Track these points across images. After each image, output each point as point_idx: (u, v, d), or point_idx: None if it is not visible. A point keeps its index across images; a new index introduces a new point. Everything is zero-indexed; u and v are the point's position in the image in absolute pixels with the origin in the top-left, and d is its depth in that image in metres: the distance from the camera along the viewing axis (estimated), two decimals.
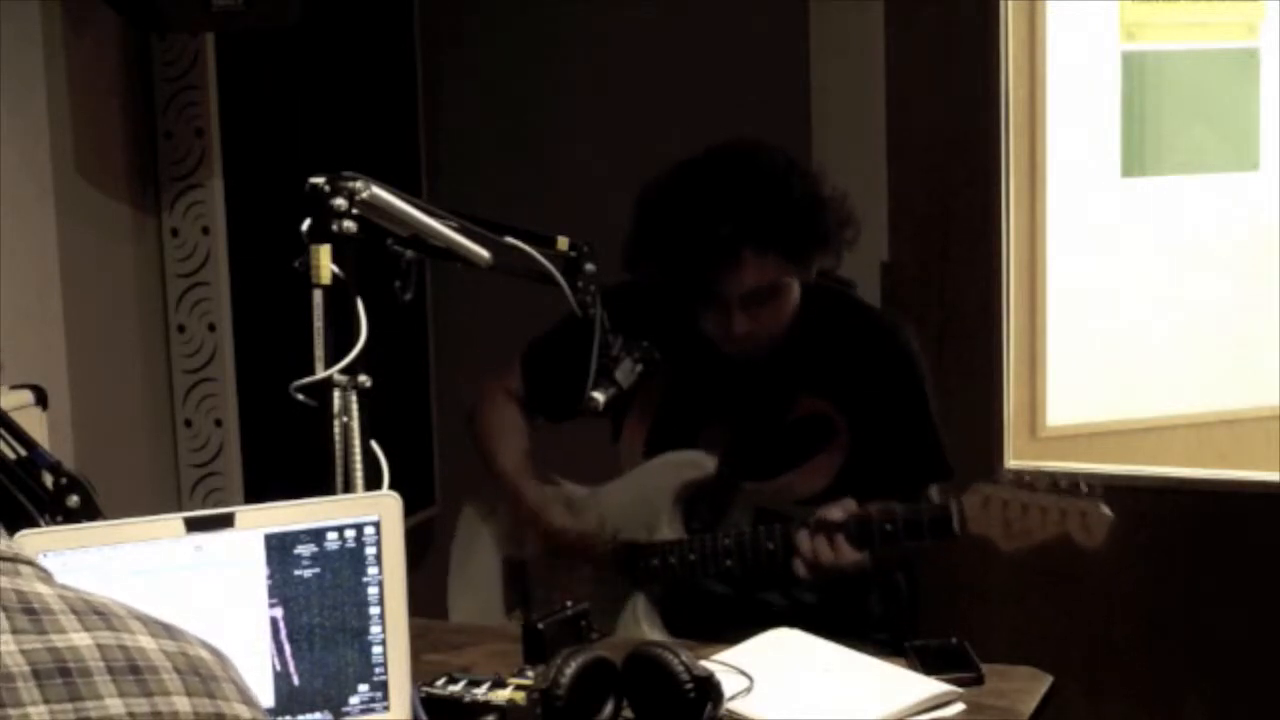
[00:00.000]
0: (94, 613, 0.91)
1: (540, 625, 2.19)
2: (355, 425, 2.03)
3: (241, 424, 3.27)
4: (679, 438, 2.75)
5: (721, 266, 2.56)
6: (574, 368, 2.36)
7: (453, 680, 2.09)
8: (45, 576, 0.93)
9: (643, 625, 2.67)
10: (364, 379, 2.04)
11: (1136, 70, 3.53)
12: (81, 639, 0.89)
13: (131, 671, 0.89)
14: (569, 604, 2.26)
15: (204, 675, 0.93)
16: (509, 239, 2.23)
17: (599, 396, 2.30)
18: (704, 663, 1.98)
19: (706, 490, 2.72)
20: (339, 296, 2.04)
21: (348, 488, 2.02)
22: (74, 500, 1.96)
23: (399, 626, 1.89)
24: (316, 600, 1.85)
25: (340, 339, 2.04)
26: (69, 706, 0.86)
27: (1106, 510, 2.38)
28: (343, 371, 2.03)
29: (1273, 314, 3.47)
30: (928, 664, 2.19)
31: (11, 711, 0.85)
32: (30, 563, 0.93)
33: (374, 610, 1.88)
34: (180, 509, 2.96)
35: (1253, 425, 3.54)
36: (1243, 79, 3.51)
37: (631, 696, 1.98)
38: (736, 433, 2.73)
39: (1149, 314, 3.60)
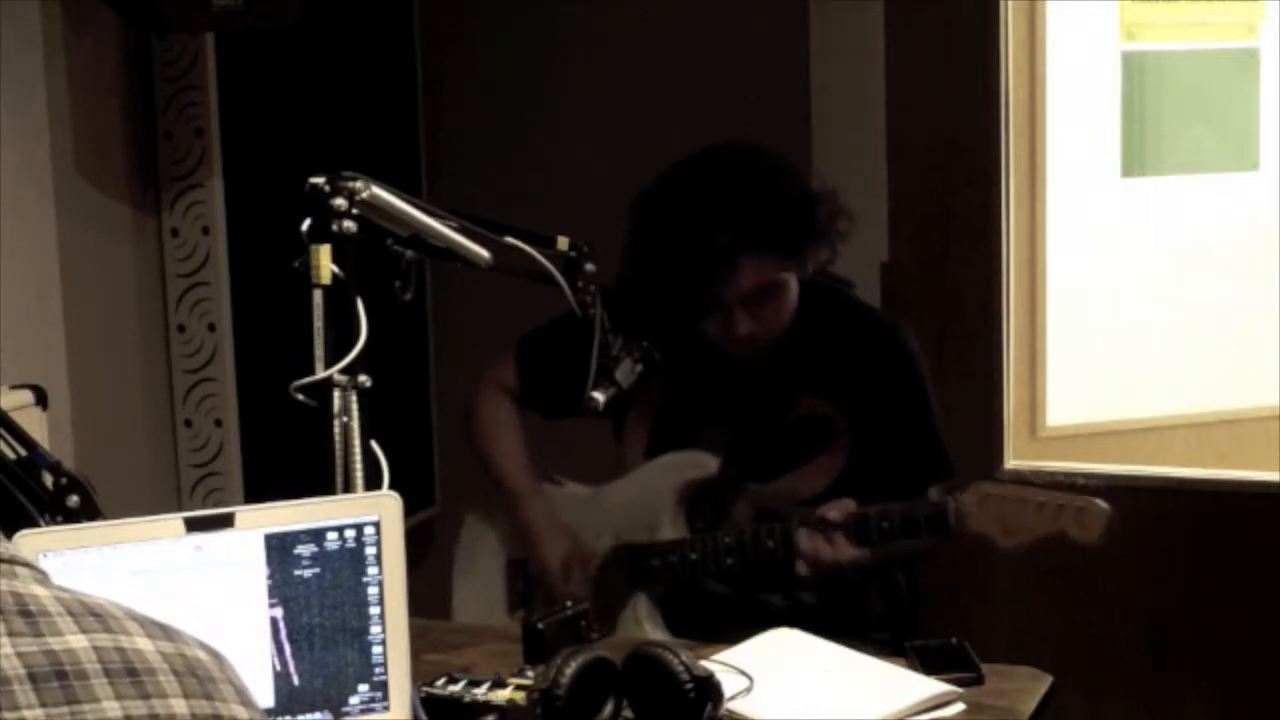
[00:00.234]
0: (91, 614, 0.91)
1: (540, 625, 2.19)
2: (355, 425, 2.03)
3: (241, 424, 3.27)
4: (681, 438, 2.75)
5: (718, 271, 2.57)
6: (569, 363, 2.36)
7: (453, 680, 2.09)
8: (42, 578, 0.92)
9: (644, 625, 2.67)
10: (364, 379, 2.04)
11: (1136, 70, 3.53)
12: (78, 641, 0.89)
13: (128, 674, 0.89)
14: (569, 604, 2.26)
15: (201, 677, 0.93)
16: (509, 239, 2.23)
17: (599, 396, 2.30)
18: (704, 663, 1.98)
19: (708, 490, 2.72)
20: (339, 296, 2.04)
21: (348, 488, 2.02)
22: (74, 500, 1.96)
23: (399, 626, 1.89)
24: (316, 600, 1.85)
25: (340, 339, 2.04)
26: (65, 710, 0.86)
27: (1103, 505, 2.38)
28: (343, 371, 2.03)
29: (1273, 314, 3.47)
30: (928, 664, 2.19)
31: (8, 715, 0.84)
32: (27, 564, 0.93)
33: (374, 610, 1.88)
34: (180, 509, 2.96)
35: (1253, 425, 3.54)
36: (1243, 79, 3.51)
37: (631, 696, 1.98)
38: (738, 433, 2.73)
39: (1149, 314, 3.60)
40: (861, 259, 3.32)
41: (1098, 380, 3.63)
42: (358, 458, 2.03)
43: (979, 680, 2.15)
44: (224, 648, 0.98)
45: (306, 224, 2.04)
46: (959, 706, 2.09)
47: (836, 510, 2.53)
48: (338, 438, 2.03)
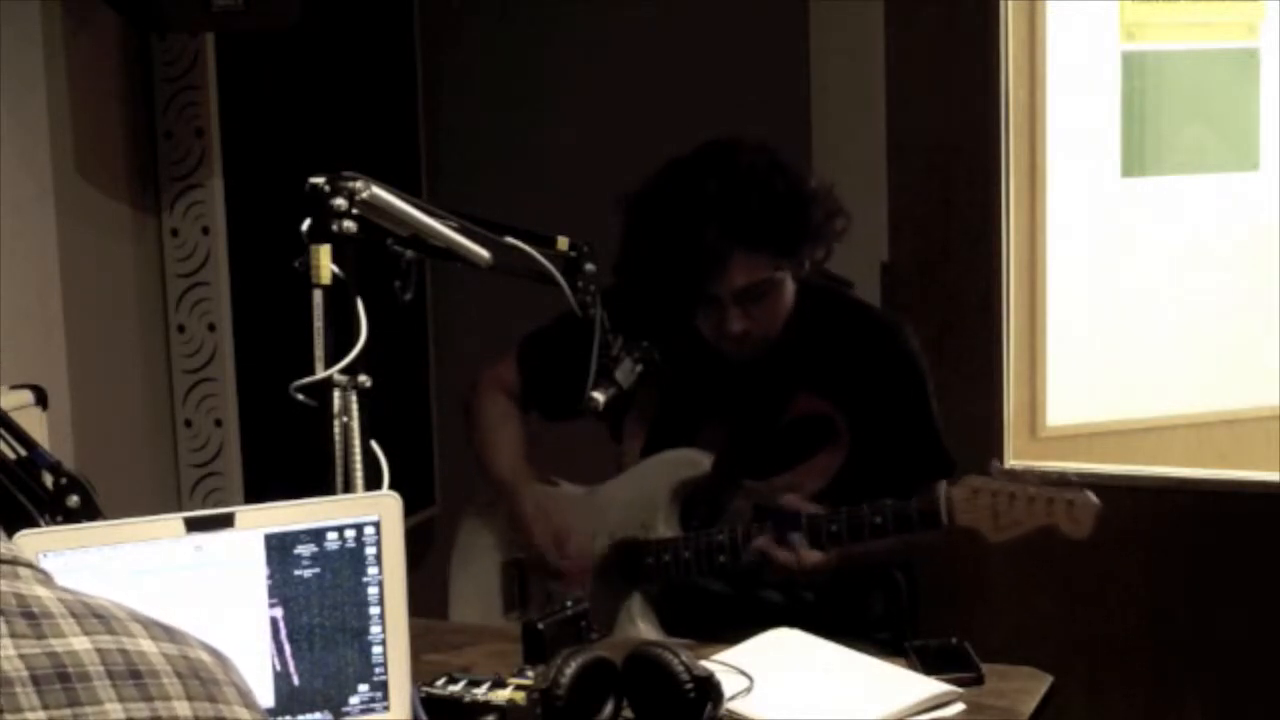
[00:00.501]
0: (94, 616, 0.91)
1: (540, 625, 2.19)
2: (355, 425, 2.03)
3: (241, 424, 3.27)
4: (678, 437, 2.75)
5: (711, 268, 2.56)
6: (570, 364, 2.36)
7: (453, 680, 2.09)
8: (45, 579, 0.92)
9: (639, 624, 2.67)
10: (364, 379, 2.04)
11: (1136, 70, 3.53)
12: (81, 643, 0.89)
13: (132, 676, 0.89)
14: (569, 604, 2.26)
15: (205, 679, 0.93)
16: (509, 239, 2.23)
17: (599, 397, 2.30)
18: (704, 663, 1.98)
19: (704, 489, 2.72)
20: (339, 296, 2.04)
21: (348, 488, 2.02)
22: (74, 500, 1.96)
23: (399, 626, 1.89)
24: (316, 600, 1.85)
25: (340, 339, 2.04)
26: (68, 712, 0.86)
27: (1093, 498, 2.38)
28: (343, 371, 2.03)
29: (1273, 314, 3.47)
30: (928, 664, 2.20)
31: (10, 717, 0.84)
32: (30, 565, 0.92)
33: (374, 610, 1.88)
34: (180, 509, 2.96)
35: (1253, 425, 3.54)
36: (1243, 79, 3.51)
37: (631, 696, 1.98)
38: (735, 432, 2.73)
39: (1149, 314, 3.60)
40: (861, 259, 3.32)
41: (1098, 380, 3.63)
42: (358, 458, 2.03)
43: (979, 680, 2.15)
44: (224, 648, 0.98)
45: (306, 224, 2.04)
46: (959, 706, 2.09)
47: (794, 501, 2.54)
48: (338, 438, 2.03)
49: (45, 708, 0.85)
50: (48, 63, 2.96)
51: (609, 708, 1.97)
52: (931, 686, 2.11)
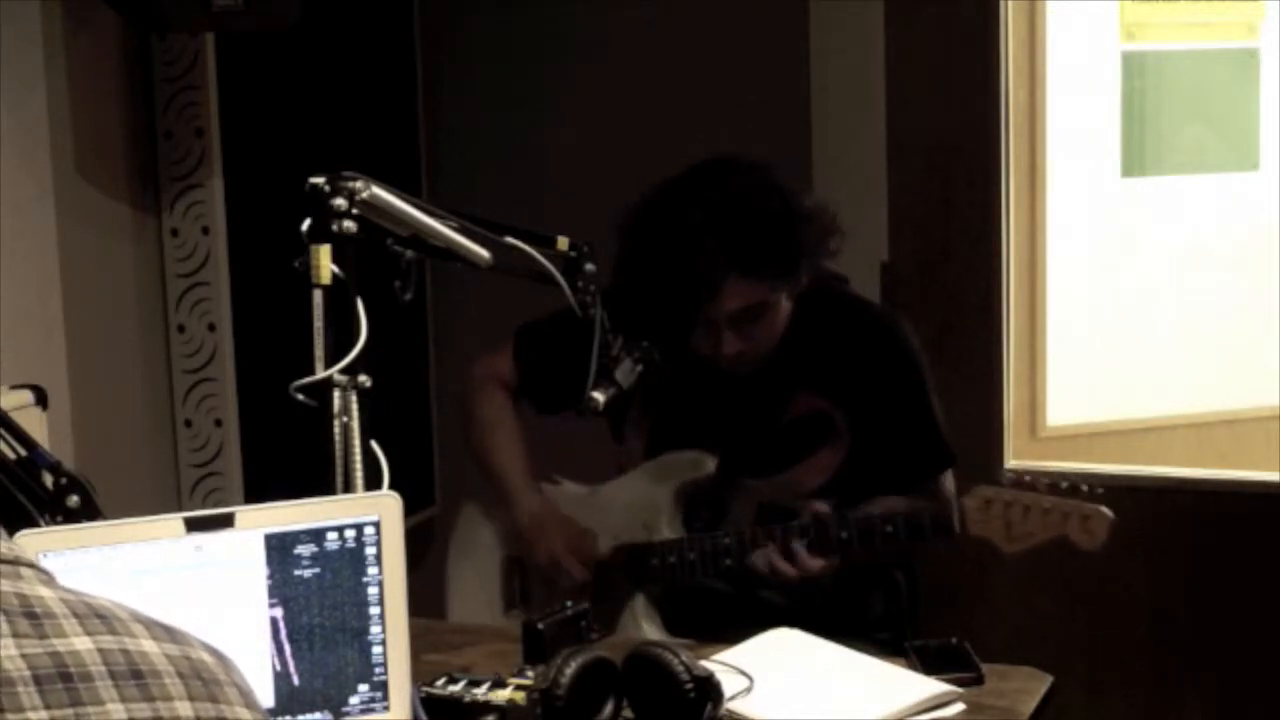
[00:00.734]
0: (96, 616, 0.91)
1: (540, 625, 2.19)
2: (355, 425, 2.03)
3: (241, 424, 3.27)
4: (680, 438, 2.75)
5: (704, 293, 2.55)
6: (565, 358, 2.36)
7: (453, 680, 2.09)
8: (47, 579, 0.92)
9: (643, 625, 2.67)
10: (364, 379, 2.04)
11: (1136, 70, 3.54)
12: (83, 643, 0.89)
13: (133, 676, 0.89)
14: (569, 604, 2.26)
15: (206, 679, 0.93)
16: (509, 239, 2.23)
17: (599, 397, 2.30)
18: (704, 663, 1.98)
19: (706, 490, 2.72)
20: (339, 296, 2.04)
21: (348, 488, 2.02)
22: (74, 500, 1.95)
23: (399, 626, 1.89)
24: (316, 600, 1.85)
25: (340, 339, 2.04)
26: (70, 712, 0.86)
27: (1107, 512, 2.38)
28: (343, 371, 2.03)
29: (1273, 314, 3.47)
30: (928, 664, 2.20)
31: (11, 717, 0.84)
32: (32, 565, 0.92)
33: (374, 610, 1.88)
34: (180, 509, 2.96)
35: (1253, 425, 3.54)
36: (1243, 79, 3.51)
37: (631, 696, 1.98)
38: (736, 433, 2.73)
39: (1149, 314, 3.60)
40: (861, 259, 3.32)
41: (1098, 380, 3.63)
42: (358, 458, 2.03)
43: (979, 680, 2.15)
44: (224, 648, 0.98)
45: (306, 224, 2.04)
46: (959, 706, 2.09)
47: (804, 510, 2.54)
48: (338, 438, 2.03)
49: (47, 707, 0.85)
50: (48, 63, 2.96)
51: (609, 708, 1.97)
52: (931, 686, 2.11)
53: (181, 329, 3.26)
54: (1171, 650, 3.53)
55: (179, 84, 3.18)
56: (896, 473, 2.66)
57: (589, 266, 2.29)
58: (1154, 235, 3.58)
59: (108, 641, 0.90)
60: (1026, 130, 3.52)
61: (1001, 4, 3.43)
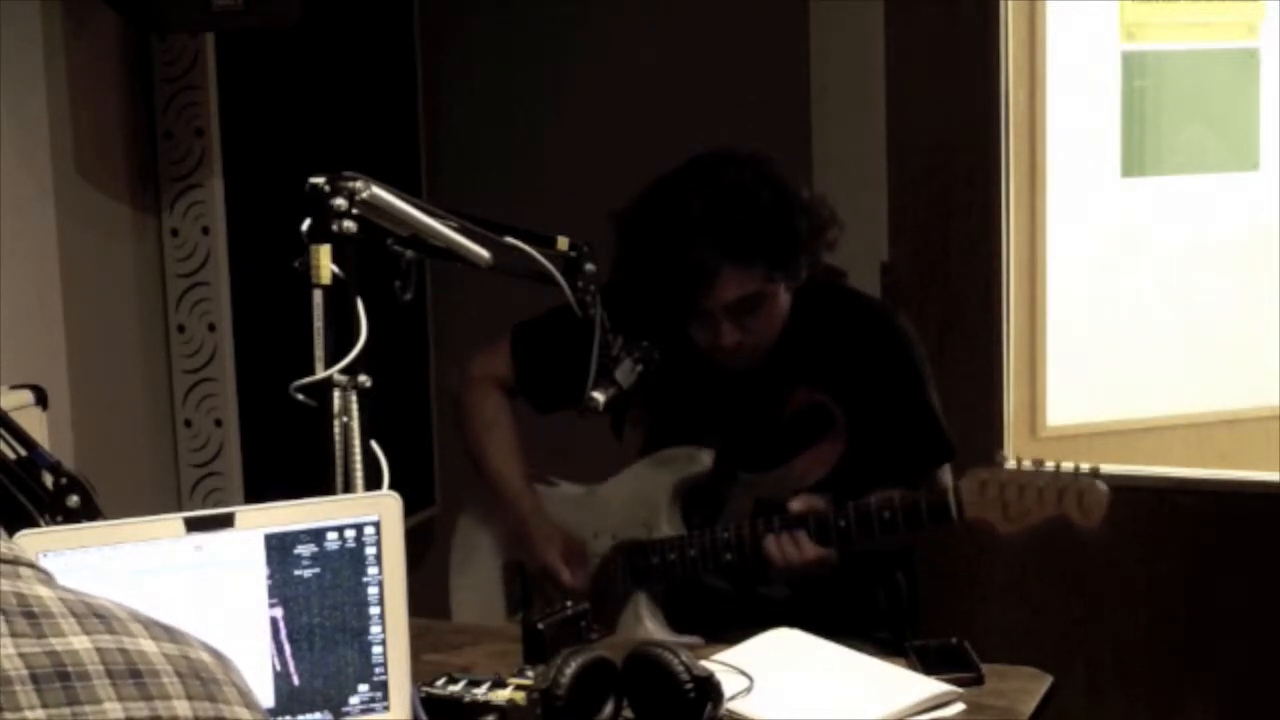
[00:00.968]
0: (94, 616, 0.91)
1: (540, 625, 2.19)
2: (355, 425, 2.03)
3: (241, 424, 3.27)
4: (678, 435, 2.75)
5: (701, 284, 2.56)
6: (563, 356, 2.36)
7: (453, 680, 2.09)
8: (46, 579, 0.92)
9: (645, 624, 2.67)
10: (364, 379, 2.04)
11: (1136, 70, 3.54)
12: (81, 643, 0.89)
13: (131, 675, 0.89)
14: (569, 604, 2.26)
15: (205, 679, 0.93)
16: (509, 239, 2.23)
17: (599, 396, 2.30)
18: (704, 663, 1.98)
19: (704, 485, 2.72)
20: (339, 296, 2.04)
21: (348, 488, 2.02)
22: (74, 500, 1.95)
23: (399, 626, 1.89)
24: (316, 600, 1.85)
25: (340, 339, 2.04)
26: (67, 711, 0.86)
27: (1103, 487, 2.37)
28: (343, 371, 2.03)
29: (1273, 314, 3.47)
30: (928, 664, 2.19)
31: (9, 716, 0.84)
32: (31, 565, 0.92)
33: (374, 610, 1.88)
34: (180, 509, 2.96)
35: (1253, 425, 3.55)
36: (1243, 79, 3.51)
37: (631, 696, 1.98)
38: (734, 428, 2.73)
39: (1149, 314, 3.60)
40: (861, 259, 3.32)
41: (1098, 380, 3.63)
42: (358, 458, 2.03)
43: (979, 680, 2.15)
44: (224, 648, 0.97)
45: (306, 224, 2.04)
46: (959, 706, 2.09)
47: (800, 503, 2.54)
48: (338, 438, 2.03)
49: (45, 706, 0.85)
50: (48, 63, 2.96)
51: (609, 708, 1.97)
52: (931, 686, 2.11)
53: (181, 329, 3.26)
54: (1171, 650, 3.53)
55: (179, 84, 3.18)
56: (896, 466, 2.65)
57: (589, 266, 2.29)
58: (1154, 235, 3.59)
59: (106, 641, 0.90)
60: (1026, 130, 3.53)
61: (1001, 4, 3.43)
